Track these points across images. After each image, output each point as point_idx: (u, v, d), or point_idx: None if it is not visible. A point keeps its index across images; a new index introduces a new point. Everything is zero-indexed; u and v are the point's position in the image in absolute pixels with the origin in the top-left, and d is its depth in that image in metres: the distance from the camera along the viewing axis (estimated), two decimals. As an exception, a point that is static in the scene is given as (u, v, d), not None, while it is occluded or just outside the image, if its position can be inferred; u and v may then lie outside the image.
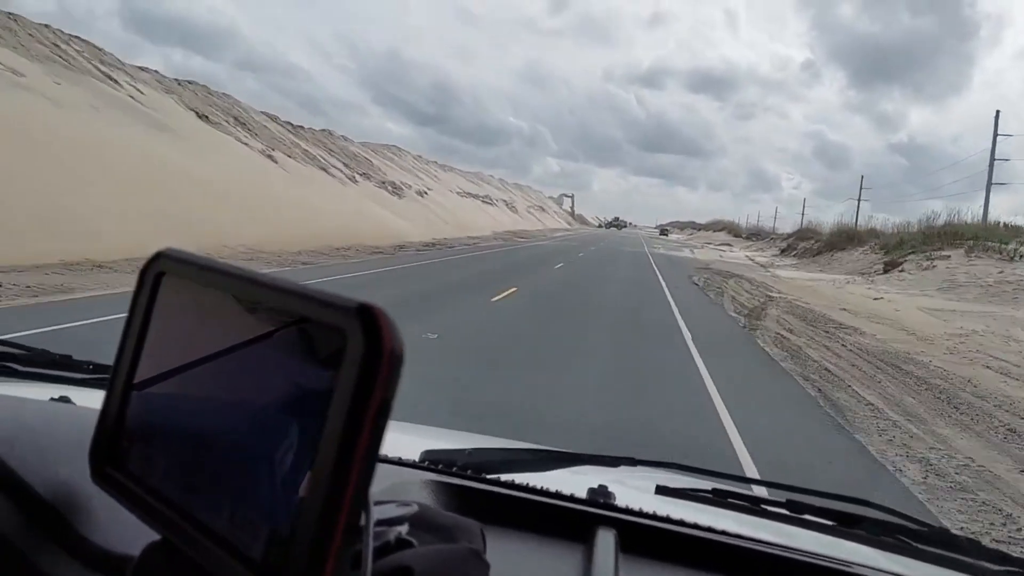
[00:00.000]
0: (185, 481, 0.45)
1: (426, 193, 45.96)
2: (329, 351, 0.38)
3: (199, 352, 0.46)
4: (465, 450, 1.17)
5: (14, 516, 0.56)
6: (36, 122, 14.67)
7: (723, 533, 0.99)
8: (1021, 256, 23.85)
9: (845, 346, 11.39)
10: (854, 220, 51.85)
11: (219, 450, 0.44)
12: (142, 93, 21.46)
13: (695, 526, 1.00)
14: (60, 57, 19.32)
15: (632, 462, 1.28)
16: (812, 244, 46.34)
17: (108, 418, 0.50)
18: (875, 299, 20.33)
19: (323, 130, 40.19)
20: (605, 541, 0.92)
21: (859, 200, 62.39)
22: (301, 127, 36.72)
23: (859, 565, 1.00)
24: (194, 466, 0.45)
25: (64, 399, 1.05)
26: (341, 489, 0.36)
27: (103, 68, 20.81)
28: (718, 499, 1.15)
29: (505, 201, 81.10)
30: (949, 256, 25.81)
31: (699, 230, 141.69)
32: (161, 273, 0.49)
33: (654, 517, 1.00)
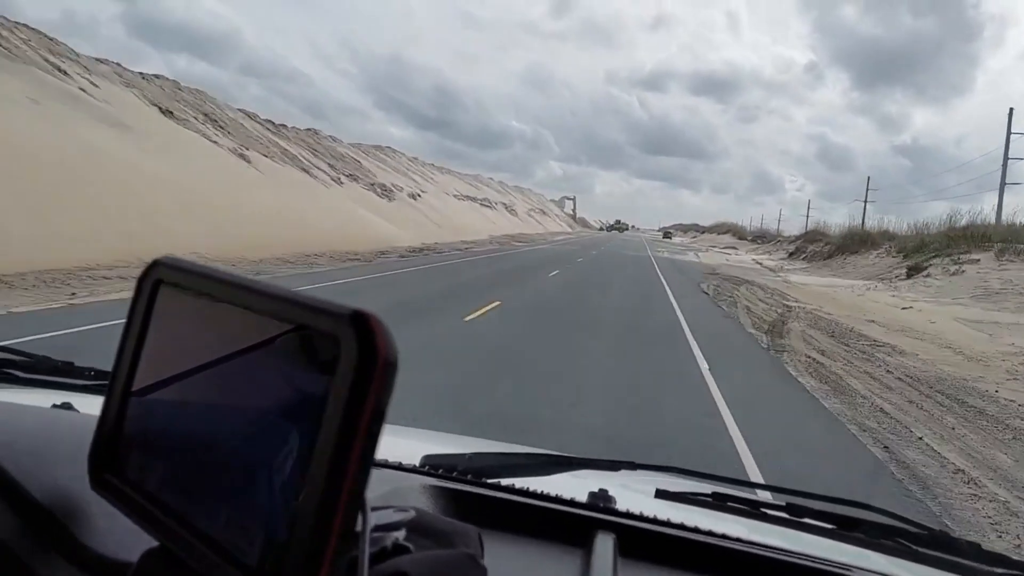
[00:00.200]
0: (182, 487, 0.45)
1: (419, 196, 44.01)
2: (324, 358, 0.38)
3: (196, 359, 0.46)
4: (465, 455, 1.16)
5: (13, 522, 0.57)
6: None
7: (723, 537, 0.99)
8: (1059, 260, 21.86)
9: (890, 371, 9.44)
10: (860, 222, 50.28)
11: (215, 456, 0.44)
12: (96, 86, 19.60)
13: (695, 530, 1.00)
14: (1, 46, 17.47)
15: (632, 466, 1.27)
16: (822, 247, 44.66)
17: (106, 425, 0.50)
18: (903, 308, 18.40)
19: (308, 129, 38.14)
20: (604, 545, 0.92)
21: (865, 202, 61.53)
22: (284, 126, 34.74)
23: (859, 569, 1.01)
24: (191, 472, 0.45)
25: (66, 405, 1.06)
26: (336, 495, 0.36)
27: (52, 59, 18.96)
28: (718, 503, 1.14)
29: (504, 204, 79.20)
30: (978, 260, 23.81)
31: (703, 233, 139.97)
32: (159, 281, 0.50)
33: (654, 521, 1.01)
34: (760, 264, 42.69)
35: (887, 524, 1.09)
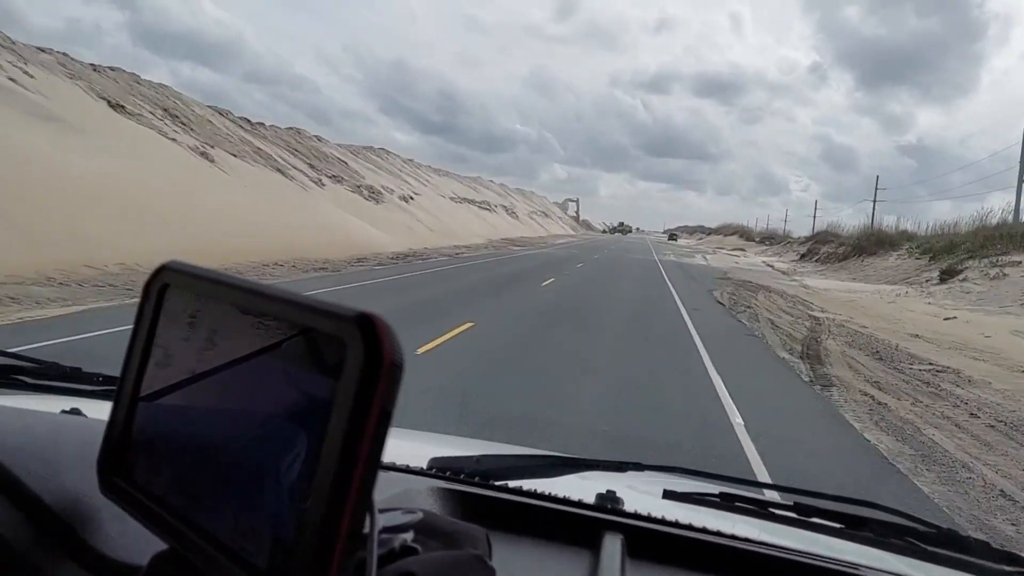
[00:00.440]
0: (191, 491, 0.46)
1: (412, 198, 41.79)
2: (330, 360, 0.38)
3: (203, 363, 0.46)
4: (473, 457, 1.16)
5: (23, 526, 0.57)
6: None
7: (731, 537, 0.99)
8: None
9: (974, 414, 7.19)
10: (869, 222, 48.18)
11: (223, 459, 0.44)
12: (31, 77, 17.52)
13: (703, 530, 0.99)
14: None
15: (639, 467, 1.27)
16: (835, 248, 42.31)
17: (115, 429, 0.51)
18: (946, 319, 16.09)
19: (290, 128, 35.88)
20: (612, 546, 0.91)
21: (875, 201, 60.18)
22: (261, 124, 32.52)
23: (868, 567, 0.99)
24: (199, 476, 0.46)
25: (75, 411, 1.06)
26: (343, 497, 0.36)
27: (-21, 46, 16.92)
28: (726, 503, 1.13)
29: (505, 207, 76.97)
30: (1020, 262, 21.47)
31: (709, 234, 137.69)
32: (165, 285, 0.50)
33: (661, 522, 1.00)
34: (772, 267, 40.46)
35: (896, 523, 1.09)
